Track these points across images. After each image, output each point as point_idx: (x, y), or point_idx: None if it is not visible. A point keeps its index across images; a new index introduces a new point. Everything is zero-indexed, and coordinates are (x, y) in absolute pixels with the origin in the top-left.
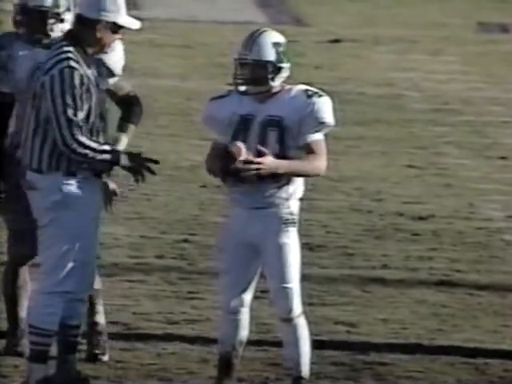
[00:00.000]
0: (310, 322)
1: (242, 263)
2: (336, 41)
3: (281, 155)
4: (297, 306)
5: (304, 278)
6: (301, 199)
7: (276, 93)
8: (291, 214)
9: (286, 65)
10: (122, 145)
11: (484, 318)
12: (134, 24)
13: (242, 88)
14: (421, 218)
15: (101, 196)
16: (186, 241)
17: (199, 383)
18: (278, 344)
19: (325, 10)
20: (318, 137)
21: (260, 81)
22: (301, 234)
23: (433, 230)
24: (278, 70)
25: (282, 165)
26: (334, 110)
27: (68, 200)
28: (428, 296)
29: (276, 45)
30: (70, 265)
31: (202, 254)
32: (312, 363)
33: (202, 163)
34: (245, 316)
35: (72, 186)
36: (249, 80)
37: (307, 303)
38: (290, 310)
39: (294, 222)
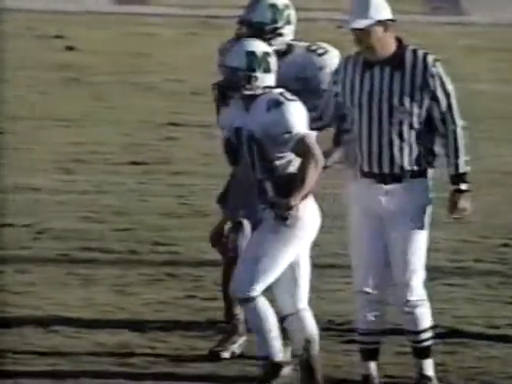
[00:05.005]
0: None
1: None
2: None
3: (270, 167)
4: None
5: None
6: None
7: (256, 98)
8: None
9: (259, 74)
10: None
11: None
12: None
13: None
14: None
15: None
16: (505, 245)
17: None
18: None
19: None
20: (296, 140)
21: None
22: None
23: None
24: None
25: (297, 195)
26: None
27: None
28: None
29: (250, 53)
30: None
31: None
32: None
33: None
34: None
35: None
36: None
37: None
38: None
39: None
